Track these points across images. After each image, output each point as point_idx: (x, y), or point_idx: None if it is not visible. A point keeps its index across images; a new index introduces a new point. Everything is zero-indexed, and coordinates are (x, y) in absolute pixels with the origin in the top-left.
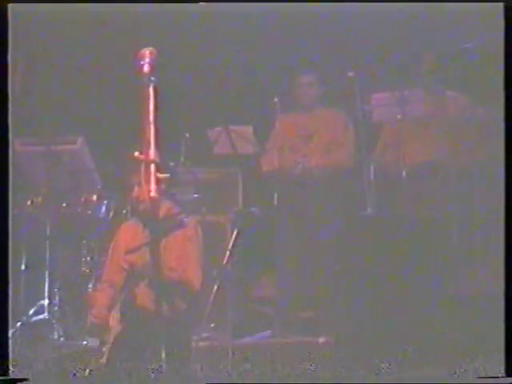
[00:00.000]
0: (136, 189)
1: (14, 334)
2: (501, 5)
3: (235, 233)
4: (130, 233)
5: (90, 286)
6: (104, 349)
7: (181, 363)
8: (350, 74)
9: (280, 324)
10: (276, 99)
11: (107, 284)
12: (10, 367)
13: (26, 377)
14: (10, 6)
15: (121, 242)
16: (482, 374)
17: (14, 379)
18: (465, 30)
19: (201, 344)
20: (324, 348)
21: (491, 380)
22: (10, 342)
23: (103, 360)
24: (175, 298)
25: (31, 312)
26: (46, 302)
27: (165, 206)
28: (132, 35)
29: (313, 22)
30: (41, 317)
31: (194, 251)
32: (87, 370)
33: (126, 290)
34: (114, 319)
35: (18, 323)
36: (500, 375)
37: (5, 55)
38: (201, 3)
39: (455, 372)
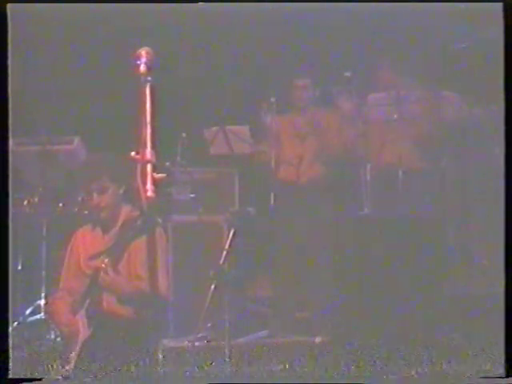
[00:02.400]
0: (95, 195)
1: (10, 333)
2: (500, 5)
3: (232, 233)
4: (87, 238)
5: None
6: (71, 355)
7: (150, 367)
8: (347, 73)
9: (276, 324)
10: (272, 99)
11: (66, 291)
12: (11, 367)
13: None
14: (9, 5)
15: (79, 248)
16: (482, 374)
17: (15, 379)
18: (464, 30)
19: (197, 344)
20: (320, 348)
21: (492, 380)
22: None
23: (70, 366)
24: (142, 304)
25: (28, 312)
26: (43, 302)
27: (124, 210)
28: (131, 35)
29: (311, 21)
30: (37, 317)
31: (158, 256)
32: (58, 376)
33: (90, 296)
34: (80, 325)
35: (15, 323)
36: (500, 375)
37: (4, 55)
38: (200, 3)
39: (455, 372)
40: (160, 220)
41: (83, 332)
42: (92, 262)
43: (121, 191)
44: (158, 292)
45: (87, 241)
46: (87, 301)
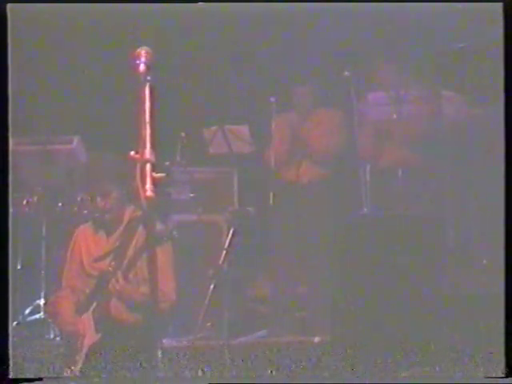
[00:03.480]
0: (99, 199)
1: (10, 333)
2: (500, 5)
3: (231, 232)
4: (90, 239)
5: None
6: (77, 357)
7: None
8: (346, 73)
9: (276, 323)
10: (272, 99)
11: (69, 290)
12: (11, 367)
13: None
14: (9, 5)
15: (80, 246)
16: (482, 374)
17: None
18: (464, 30)
19: (197, 343)
20: (319, 347)
21: (492, 380)
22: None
23: (77, 368)
24: (149, 307)
25: (27, 311)
26: (42, 301)
27: (128, 210)
28: (131, 35)
29: (311, 21)
30: (37, 316)
31: (165, 259)
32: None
33: (97, 299)
34: (87, 327)
35: (14, 323)
36: (500, 375)
37: (4, 55)
38: (200, 3)
39: (455, 372)
40: (176, 234)
41: (90, 335)
42: (97, 263)
43: (124, 192)
44: (165, 295)
45: (90, 241)
46: (94, 303)
